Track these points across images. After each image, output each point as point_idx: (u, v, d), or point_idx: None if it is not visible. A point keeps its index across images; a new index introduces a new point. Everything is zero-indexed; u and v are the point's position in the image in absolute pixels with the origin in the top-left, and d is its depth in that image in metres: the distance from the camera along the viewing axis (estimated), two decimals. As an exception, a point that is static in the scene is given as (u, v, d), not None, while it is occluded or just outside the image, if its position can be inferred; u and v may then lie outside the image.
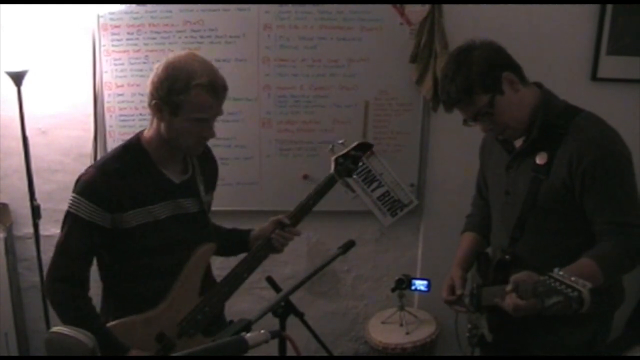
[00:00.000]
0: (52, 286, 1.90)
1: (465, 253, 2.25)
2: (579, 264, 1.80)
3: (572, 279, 1.51)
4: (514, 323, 1.88)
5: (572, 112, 1.94)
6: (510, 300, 1.78)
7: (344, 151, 2.23)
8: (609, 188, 1.84)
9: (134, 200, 1.90)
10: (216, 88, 1.86)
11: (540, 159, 1.91)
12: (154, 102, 1.87)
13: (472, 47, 1.92)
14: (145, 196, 1.92)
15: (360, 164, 2.27)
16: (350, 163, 2.23)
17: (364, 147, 2.26)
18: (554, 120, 1.91)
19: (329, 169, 2.25)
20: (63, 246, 1.90)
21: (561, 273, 1.54)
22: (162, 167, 1.96)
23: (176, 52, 1.94)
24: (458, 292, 2.14)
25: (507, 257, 2.01)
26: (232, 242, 2.23)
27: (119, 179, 1.88)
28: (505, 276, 1.91)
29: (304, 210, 2.16)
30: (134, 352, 1.88)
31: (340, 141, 2.28)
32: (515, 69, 1.93)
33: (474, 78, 1.87)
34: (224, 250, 2.22)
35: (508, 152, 2.05)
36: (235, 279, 2.06)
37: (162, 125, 1.90)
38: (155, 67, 1.89)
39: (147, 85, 1.90)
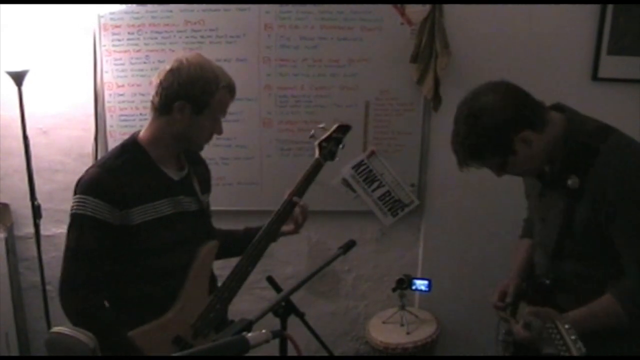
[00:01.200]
0: (70, 296, 1.86)
1: (523, 263, 2.18)
2: (601, 302, 1.77)
3: (573, 338, 1.50)
4: None
5: (601, 135, 1.81)
6: (518, 329, 1.81)
7: (326, 135, 2.26)
8: (634, 224, 1.75)
9: (138, 196, 1.89)
10: (234, 88, 1.97)
11: (572, 183, 1.81)
12: (178, 102, 1.88)
13: (485, 103, 1.79)
14: (148, 193, 1.92)
15: (341, 145, 2.29)
16: (333, 146, 2.26)
17: (344, 129, 2.29)
18: (584, 140, 1.80)
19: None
20: (76, 251, 1.86)
21: (567, 327, 1.54)
22: (161, 164, 1.98)
23: (185, 53, 1.97)
24: (508, 299, 2.10)
25: (547, 281, 1.96)
26: (250, 239, 2.20)
27: (123, 175, 1.88)
28: (544, 299, 1.90)
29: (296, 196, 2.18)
30: None
31: (321, 125, 2.29)
32: (532, 118, 1.80)
33: (484, 145, 1.80)
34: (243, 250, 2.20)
35: (539, 179, 1.97)
36: (241, 273, 2.06)
37: (178, 124, 1.91)
38: (170, 70, 1.89)
39: (161, 87, 1.89)
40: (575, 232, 1.85)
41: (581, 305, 1.82)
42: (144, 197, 1.91)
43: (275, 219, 2.14)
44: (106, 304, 1.95)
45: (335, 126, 2.27)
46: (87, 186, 1.86)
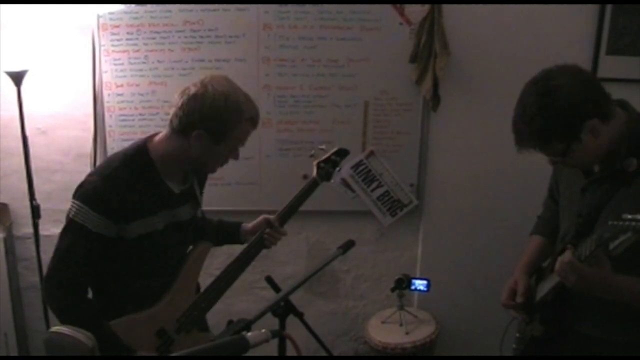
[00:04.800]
0: (53, 291, 1.88)
1: (530, 258, 2.14)
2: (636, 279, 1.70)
3: (638, 216, 1.44)
4: (569, 314, 1.85)
5: None
6: (565, 257, 1.67)
7: (325, 156, 2.33)
8: None
9: (137, 211, 1.89)
10: (258, 119, 1.94)
11: (628, 164, 1.73)
12: (196, 132, 1.85)
13: (560, 84, 1.70)
14: (147, 207, 1.91)
15: (337, 168, 2.35)
16: (330, 167, 2.31)
17: (342, 153, 2.36)
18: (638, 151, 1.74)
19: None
20: (66, 252, 1.87)
21: (630, 216, 1.47)
22: (166, 178, 1.96)
23: (212, 77, 1.89)
24: (519, 299, 2.02)
25: (568, 246, 1.80)
26: (221, 233, 2.28)
27: (125, 190, 1.85)
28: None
29: (289, 212, 2.23)
30: (140, 355, 1.90)
31: (322, 146, 2.37)
32: (602, 106, 1.73)
33: (554, 127, 1.69)
34: (215, 243, 2.25)
35: (584, 174, 1.88)
36: (229, 276, 2.11)
37: (194, 150, 1.89)
38: (194, 96, 1.84)
39: (182, 111, 1.85)
40: (606, 216, 1.76)
41: (602, 303, 1.78)
42: (142, 212, 1.90)
43: (260, 236, 2.19)
44: (91, 297, 1.99)
45: (334, 149, 2.33)
46: (89, 197, 1.84)
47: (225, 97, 1.84)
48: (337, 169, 2.33)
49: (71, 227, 1.86)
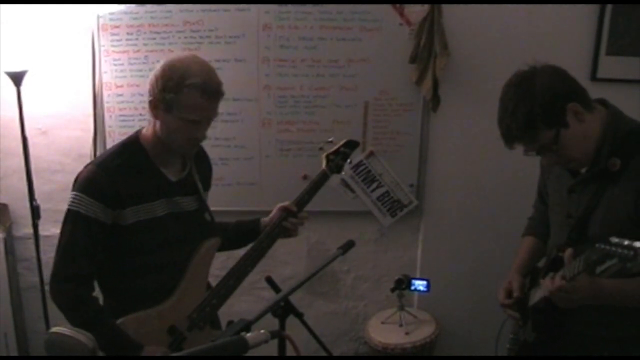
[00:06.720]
0: (59, 287, 1.90)
1: (524, 259, 2.16)
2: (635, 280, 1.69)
3: (626, 243, 1.43)
4: (562, 318, 1.84)
5: None
6: (555, 284, 1.69)
7: (334, 148, 2.32)
8: None
9: (133, 197, 1.91)
10: (209, 90, 1.86)
11: (612, 164, 1.77)
12: (150, 99, 1.90)
13: (534, 74, 1.78)
14: (143, 193, 1.94)
15: (348, 160, 2.35)
16: (340, 159, 2.31)
17: (352, 145, 2.35)
18: (633, 127, 1.80)
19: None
20: (67, 245, 1.89)
21: (617, 240, 1.47)
22: (160, 165, 1.99)
23: (178, 52, 1.96)
24: (515, 294, 2.04)
25: (560, 254, 1.83)
26: (242, 233, 2.26)
27: (119, 176, 1.89)
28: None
29: (299, 205, 2.22)
30: (148, 350, 1.90)
31: (330, 139, 2.36)
32: (580, 94, 1.79)
33: (536, 112, 1.73)
34: (237, 244, 2.26)
35: (571, 174, 1.92)
36: (240, 272, 2.09)
37: (157, 123, 1.93)
38: (154, 72, 1.92)
39: (148, 89, 1.92)
40: (597, 217, 1.80)
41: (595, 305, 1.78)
42: (139, 198, 1.93)
43: (278, 223, 2.18)
44: (99, 295, 1.99)
45: (343, 141, 2.33)
46: (83, 184, 1.89)
47: (171, 66, 1.87)
48: (348, 160, 2.33)
49: (68, 217, 1.90)
